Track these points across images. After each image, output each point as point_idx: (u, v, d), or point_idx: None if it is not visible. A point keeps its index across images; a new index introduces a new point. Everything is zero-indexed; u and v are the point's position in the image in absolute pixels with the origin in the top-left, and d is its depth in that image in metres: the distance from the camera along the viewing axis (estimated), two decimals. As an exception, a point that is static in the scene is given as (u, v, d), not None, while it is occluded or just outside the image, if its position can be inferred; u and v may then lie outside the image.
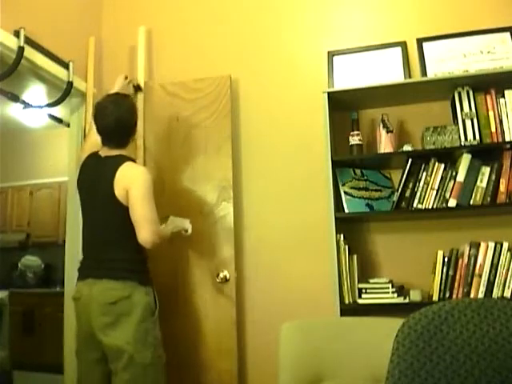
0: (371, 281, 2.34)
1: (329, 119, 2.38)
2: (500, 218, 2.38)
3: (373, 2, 2.74)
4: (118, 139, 2.19)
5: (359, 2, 2.76)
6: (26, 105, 3.42)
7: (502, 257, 2.17)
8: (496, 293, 2.14)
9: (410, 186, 2.33)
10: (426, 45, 2.54)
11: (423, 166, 2.33)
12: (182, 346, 2.51)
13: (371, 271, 2.50)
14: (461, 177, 2.25)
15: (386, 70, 2.56)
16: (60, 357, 2.66)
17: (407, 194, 2.33)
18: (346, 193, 2.42)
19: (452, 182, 2.26)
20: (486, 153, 2.27)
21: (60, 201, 5.36)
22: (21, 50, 2.27)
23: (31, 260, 5.59)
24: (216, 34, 2.94)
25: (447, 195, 2.26)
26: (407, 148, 2.40)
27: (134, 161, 2.25)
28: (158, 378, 2.04)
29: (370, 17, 2.73)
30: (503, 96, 2.28)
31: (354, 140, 2.48)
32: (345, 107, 2.55)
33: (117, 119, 2.13)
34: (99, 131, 2.18)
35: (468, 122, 2.29)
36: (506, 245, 2.17)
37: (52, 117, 3.96)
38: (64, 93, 2.64)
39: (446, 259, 2.25)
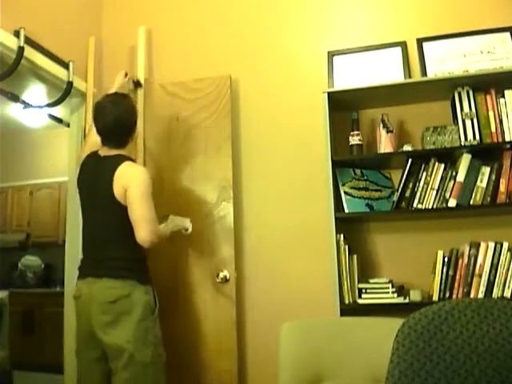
0: (371, 281, 2.34)
1: (329, 119, 2.38)
2: (500, 217, 2.38)
3: (373, 2, 2.74)
4: (117, 139, 2.19)
5: (359, 2, 2.76)
6: (26, 105, 3.42)
7: (502, 257, 2.17)
8: (496, 293, 2.14)
9: (410, 186, 2.33)
10: (425, 45, 2.54)
11: (423, 165, 2.33)
12: (182, 346, 2.51)
13: (371, 271, 2.50)
14: (461, 177, 2.25)
15: (386, 70, 2.56)
16: (60, 357, 2.66)
17: (407, 194, 2.33)
18: (346, 193, 2.42)
19: (452, 182, 2.26)
20: (486, 153, 2.27)
21: (60, 201, 5.36)
22: (21, 50, 2.27)
23: (31, 260, 5.59)
24: (216, 34, 2.94)
25: (447, 195, 2.26)
26: (407, 148, 2.40)
27: (133, 160, 2.26)
28: (159, 377, 2.04)
29: (370, 17, 2.73)
30: (503, 96, 2.28)
31: (354, 140, 2.48)
32: (345, 107, 2.55)
33: (116, 119, 2.13)
34: (98, 131, 2.19)
35: (468, 122, 2.29)
36: (505, 245, 2.17)
37: (52, 117, 3.96)
38: (64, 93, 2.64)
39: (446, 259, 2.25)
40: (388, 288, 2.28)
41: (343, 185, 2.44)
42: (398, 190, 2.35)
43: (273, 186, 2.72)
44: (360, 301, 2.30)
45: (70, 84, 2.64)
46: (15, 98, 3.28)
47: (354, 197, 2.43)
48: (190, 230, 2.37)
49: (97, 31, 3.06)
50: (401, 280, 2.39)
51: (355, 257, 2.34)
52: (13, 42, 2.27)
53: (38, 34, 2.45)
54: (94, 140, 2.28)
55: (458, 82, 2.34)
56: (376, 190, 2.49)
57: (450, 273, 2.23)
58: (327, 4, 2.80)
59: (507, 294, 2.13)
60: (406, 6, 2.69)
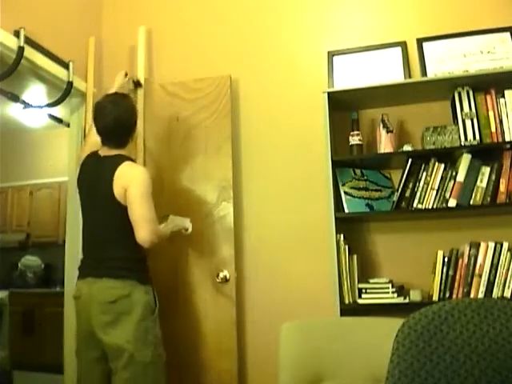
0: (371, 281, 2.34)
1: (329, 119, 2.38)
2: (500, 217, 2.38)
3: (373, 2, 2.74)
4: (117, 139, 2.19)
5: (359, 2, 2.76)
6: (26, 105, 3.42)
7: (502, 257, 2.17)
8: (496, 293, 2.14)
9: (410, 186, 2.33)
10: (425, 45, 2.54)
11: (423, 165, 2.33)
12: (182, 346, 2.51)
13: (371, 271, 2.50)
14: (461, 177, 2.25)
15: (386, 70, 2.56)
16: (60, 357, 2.66)
17: (407, 194, 2.33)
18: (346, 193, 2.42)
19: (452, 182, 2.26)
20: (486, 153, 2.27)
21: (60, 201, 5.36)
22: (21, 50, 2.27)
23: (31, 260, 5.59)
24: (216, 34, 2.94)
25: (447, 195, 2.26)
26: (407, 148, 2.40)
27: (133, 160, 2.26)
28: (159, 377, 2.04)
29: (370, 17, 2.73)
30: (503, 96, 2.28)
31: (354, 140, 2.48)
32: (345, 107, 2.55)
33: (116, 119, 2.13)
34: (98, 131, 2.19)
35: (468, 122, 2.29)
36: (506, 245, 2.17)
37: (52, 117, 3.96)
38: (64, 93, 2.64)
39: (446, 259, 2.25)
40: (388, 288, 2.28)
41: (343, 185, 2.44)
42: (398, 190, 2.35)
43: (273, 186, 2.72)
44: (360, 301, 2.30)
45: (70, 84, 2.64)
46: (15, 98, 3.28)
47: (353, 197, 2.43)
48: (190, 229, 2.37)
49: (97, 31, 3.06)
50: (401, 280, 2.39)
51: (355, 257, 2.34)
52: (13, 42, 2.27)
53: (38, 34, 2.45)
54: (94, 140, 2.28)
55: (458, 82, 2.34)
56: (376, 190, 2.49)
57: (450, 273, 2.23)
58: (327, 4, 2.80)
59: (507, 294, 2.13)
60: (406, 6, 2.69)
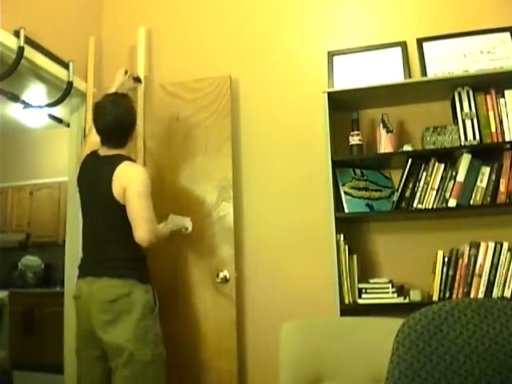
0: (371, 281, 2.34)
1: (329, 119, 2.38)
2: (500, 217, 2.38)
3: (373, 2, 2.74)
4: (116, 139, 2.19)
5: (359, 2, 2.76)
6: (26, 105, 3.42)
7: (502, 257, 2.17)
8: (496, 293, 2.14)
9: (410, 186, 2.33)
10: (425, 45, 2.54)
11: (423, 165, 2.33)
12: (182, 346, 2.51)
13: (371, 271, 2.50)
14: (461, 177, 2.25)
15: (386, 70, 2.56)
16: (60, 357, 2.66)
17: (407, 194, 2.33)
18: (346, 193, 2.42)
19: (452, 182, 2.26)
20: (486, 153, 2.27)
21: (60, 201, 5.36)
22: (21, 50, 2.27)
23: (31, 260, 5.59)
24: (216, 34, 2.94)
25: (447, 195, 2.26)
26: (407, 148, 2.40)
27: (133, 160, 2.26)
28: (159, 376, 2.04)
29: (370, 17, 2.73)
30: (503, 96, 2.28)
31: (354, 140, 2.48)
32: (345, 107, 2.55)
33: (115, 119, 2.13)
34: (98, 131, 2.19)
35: (468, 122, 2.29)
36: (505, 245, 2.17)
37: (52, 117, 3.96)
38: (64, 93, 2.64)
39: (446, 259, 2.25)
40: (388, 288, 2.28)
41: (343, 185, 2.44)
42: (398, 190, 2.35)
43: (273, 186, 2.72)
44: (360, 301, 2.30)
45: (70, 84, 2.64)
46: (15, 97, 3.28)
47: (354, 197, 2.43)
48: (190, 229, 2.37)
49: (97, 31, 3.06)
50: (401, 280, 2.39)
51: (355, 257, 2.34)
52: (13, 42, 2.27)
53: (38, 33, 2.45)
54: (94, 140, 2.29)
55: (458, 82, 2.34)
56: (376, 190, 2.49)
57: (450, 273, 2.23)
58: (327, 4, 2.80)
59: (507, 294, 2.13)
60: (406, 6, 2.69)
